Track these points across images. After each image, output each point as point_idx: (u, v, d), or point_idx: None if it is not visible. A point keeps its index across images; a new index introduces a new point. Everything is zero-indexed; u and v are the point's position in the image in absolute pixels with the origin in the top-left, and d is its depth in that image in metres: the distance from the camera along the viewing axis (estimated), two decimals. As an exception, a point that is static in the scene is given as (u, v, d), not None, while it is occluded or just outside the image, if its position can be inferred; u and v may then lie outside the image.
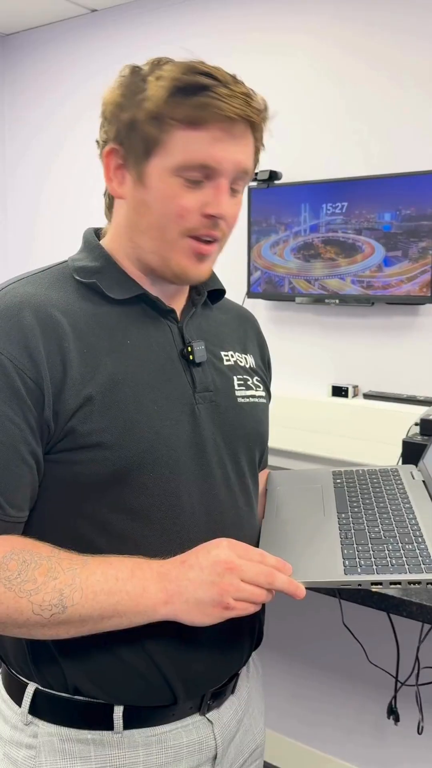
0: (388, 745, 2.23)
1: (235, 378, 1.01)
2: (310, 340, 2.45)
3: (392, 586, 0.88)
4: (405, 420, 2.04)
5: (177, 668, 0.92)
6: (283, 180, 2.39)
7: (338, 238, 2.25)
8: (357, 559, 0.92)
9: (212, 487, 0.95)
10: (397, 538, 0.97)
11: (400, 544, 0.95)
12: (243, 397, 1.01)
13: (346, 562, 0.92)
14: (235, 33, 2.51)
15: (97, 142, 0.94)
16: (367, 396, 2.29)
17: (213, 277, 1.03)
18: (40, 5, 2.80)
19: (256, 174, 2.38)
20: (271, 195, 2.39)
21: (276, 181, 2.39)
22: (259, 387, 1.06)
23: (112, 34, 2.83)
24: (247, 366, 1.06)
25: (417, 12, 2.12)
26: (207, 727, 0.97)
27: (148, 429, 0.87)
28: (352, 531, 1.00)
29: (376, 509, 1.07)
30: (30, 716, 0.93)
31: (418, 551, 0.93)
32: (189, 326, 0.98)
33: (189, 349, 0.95)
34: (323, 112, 2.34)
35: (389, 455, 2.00)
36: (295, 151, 2.40)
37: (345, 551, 0.94)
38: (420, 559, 0.91)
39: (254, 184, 2.42)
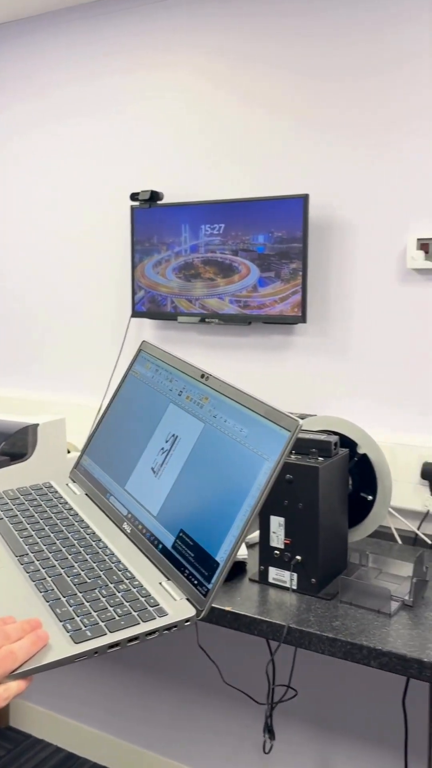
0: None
1: None
2: (193, 359, 2.47)
3: (130, 643, 0.70)
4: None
5: None
6: (165, 201, 2.41)
7: (216, 258, 2.28)
8: (77, 619, 0.71)
9: None
10: (104, 578, 0.79)
11: (112, 586, 0.78)
12: None
13: (68, 626, 0.70)
14: (121, 53, 2.52)
15: None
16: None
17: None
18: None
19: (138, 194, 2.40)
20: (153, 215, 2.40)
21: (158, 202, 2.40)
22: None
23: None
24: None
25: (291, 47, 2.18)
26: None
27: None
28: (50, 580, 0.78)
29: (58, 542, 0.87)
30: None
31: (136, 592, 0.77)
32: None
33: None
34: (203, 137, 2.37)
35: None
36: (175, 174, 2.43)
37: (57, 611, 0.72)
38: (144, 601, 0.75)
39: (136, 203, 2.43)
